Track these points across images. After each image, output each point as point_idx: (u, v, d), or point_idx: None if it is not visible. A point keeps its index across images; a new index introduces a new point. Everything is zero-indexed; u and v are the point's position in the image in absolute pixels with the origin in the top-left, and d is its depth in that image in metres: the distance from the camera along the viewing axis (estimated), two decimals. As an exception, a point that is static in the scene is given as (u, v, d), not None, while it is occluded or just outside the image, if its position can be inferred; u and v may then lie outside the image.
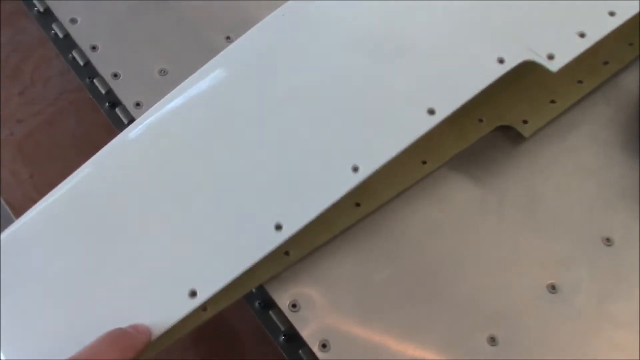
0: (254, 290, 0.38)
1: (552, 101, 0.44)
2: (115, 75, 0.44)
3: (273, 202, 0.35)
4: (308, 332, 0.37)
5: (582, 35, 0.38)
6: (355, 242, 0.40)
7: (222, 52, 0.41)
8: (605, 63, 0.46)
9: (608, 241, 0.40)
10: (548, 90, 0.44)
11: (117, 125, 0.44)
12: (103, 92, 0.45)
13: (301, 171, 0.36)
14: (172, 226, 0.36)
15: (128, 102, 0.43)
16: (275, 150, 0.37)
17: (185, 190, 0.37)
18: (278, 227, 0.35)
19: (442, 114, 0.36)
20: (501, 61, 0.37)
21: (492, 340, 0.37)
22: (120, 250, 0.35)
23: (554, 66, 0.37)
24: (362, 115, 0.37)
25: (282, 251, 0.38)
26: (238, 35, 0.41)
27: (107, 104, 0.45)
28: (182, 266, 0.35)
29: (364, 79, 0.38)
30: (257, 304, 0.39)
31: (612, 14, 0.39)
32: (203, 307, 0.36)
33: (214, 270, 0.34)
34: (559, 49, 0.38)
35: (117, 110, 0.44)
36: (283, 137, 0.37)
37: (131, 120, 0.43)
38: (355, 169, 0.35)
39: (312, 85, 0.38)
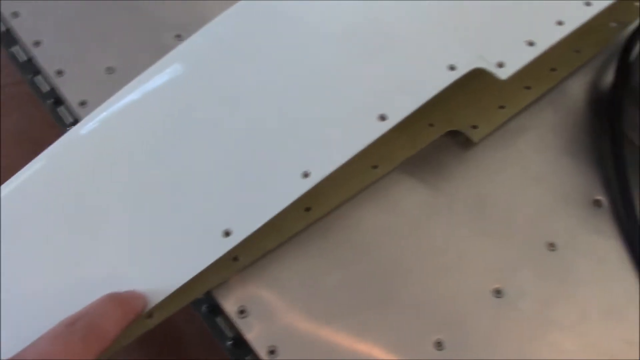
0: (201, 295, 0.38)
1: (501, 107, 0.45)
2: (60, 73, 0.43)
3: (222, 207, 0.35)
4: (256, 338, 0.37)
5: (531, 44, 0.39)
6: (305, 247, 0.39)
7: (173, 51, 0.40)
8: (553, 70, 0.47)
9: (552, 246, 0.41)
10: (497, 96, 0.45)
11: (61, 124, 0.42)
12: (46, 89, 0.43)
13: (251, 176, 0.36)
14: (116, 231, 0.35)
15: (73, 100, 0.42)
16: (224, 154, 0.36)
17: (131, 193, 0.36)
18: (227, 234, 0.34)
19: (393, 120, 0.36)
20: (452, 68, 0.38)
21: (439, 345, 0.37)
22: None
23: (504, 74, 0.38)
24: (314, 121, 0.37)
25: (231, 257, 0.37)
26: (188, 34, 0.40)
27: (50, 101, 0.43)
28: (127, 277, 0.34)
29: (315, 86, 0.38)
30: (204, 308, 0.39)
31: (560, 23, 0.40)
32: (149, 313, 0.35)
33: (159, 278, 0.33)
34: (509, 58, 0.38)
35: (61, 108, 0.42)
36: (233, 140, 0.37)
37: (75, 119, 0.42)
38: (306, 175, 0.35)
39: (263, 88, 0.38)
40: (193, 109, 0.38)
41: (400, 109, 0.36)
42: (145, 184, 0.36)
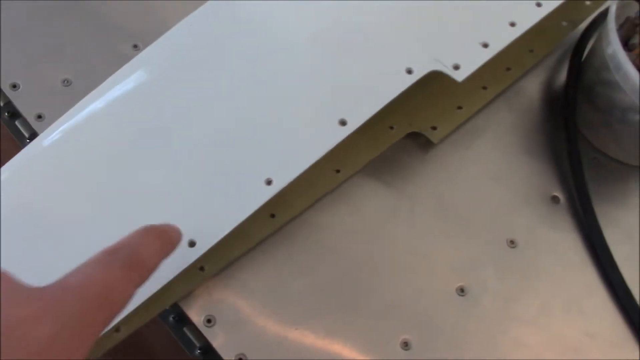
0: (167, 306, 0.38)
1: (459, 107, 0.46)
2: (15, 86, 0.42)
3: (186, 217, 0.35)
4: (224, 346, 0.37)
5: (485, 45, 0.40)
6: (271, 253, 0.40)
7: (131, 61, 0.40)
8: (508, 69, 0.48)
9: (512, 243, 0.42)
10: (455, 97, 0.46)
11: (19, 139, 0.42)
12: (1, 103, 0.42)
13: (215, 185, 0.36)
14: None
15: (29, 114, 0.41)
16: (186, 164, 0.36)
17: (91, 208, 0.35)
18: (192, 244, 0.34)
19: (353, 124, 0.37)
20: (410, 72, 0.38)
21: (406, 345, 0.38)
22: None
23: (460, 76, 0.38)
24: (276, 128, 0.37)
25: (197, 267, 0.37)
26: (146, 44, 0.40)
27: (6, 114, 0.42)
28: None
29: (276, 92, 0.38)
30: (171, 318, 0.38)
31: (512, 24, 0.41)
32: (116, 327, 0.35)
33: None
34: (464, 60, 0.39)
35: (17, 122, 0.42)
36: (195, 150, 0.36)
37: (33, 133, 0.41)
38: (269, 182, 0.35)
39: (223, 96, 0.38)
40: (154, 120, 0.38)
41: (360, 114, 0.37)
42: (107, 197, 0.36)
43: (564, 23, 0.50)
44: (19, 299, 0.21)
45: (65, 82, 0.43)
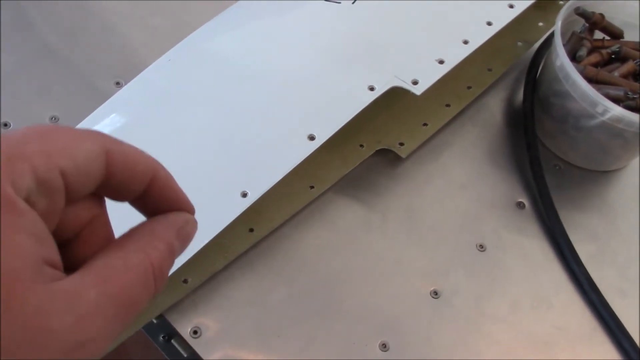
0: (154, 320, 0.39)
1: (425, 124, 0.48)
2: (5, 125, 0.45)
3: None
4: (210, 357, 0.38)
5: (441, 62, 0.43)
6: (251, 266, 0.42)
7: (113, 97, 0.43)
8: (469, 87, 0.51)
9: (481, 247, 0.44)
10: (420, 115, 0.49)
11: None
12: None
13: (196, 199, 0.38)
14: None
15: (19, 149, 0.44)
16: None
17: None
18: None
19: (321, 139, 0.39)
20: (372, 89, 0.41)
21: (384, 347, 0.40)
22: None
23: (418, 90, 0.41)
24: (250, 144, 0.39)
25: (181, 279, 0.39)
26: (127, 80, 0.43)
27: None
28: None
29: (249, 111, 0.41)
30: (161, 338, 0.40)
31: (466, 42, 0.44)
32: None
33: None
34: (422, 76, 0.42)
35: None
36: (177, 166, 0.39)
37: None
38: (244, 195, 0.38)
39: (200, 120, 0.41)
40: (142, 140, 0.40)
41: (327, 128, 0.40)
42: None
43: (520, 43, 0.54)
44: None
45: (53, 119, 0.46)
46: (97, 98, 0.43)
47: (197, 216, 0.37)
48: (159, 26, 0.52)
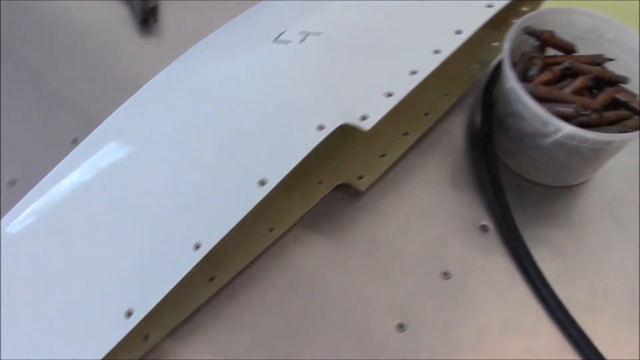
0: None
1: (383, 155, 0.48)
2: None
3: (121, 288, 0.37)
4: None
5: (389, 94, 0.43)
6: (214, 314, 0.41)
7: (69, 156, 0.43)
8: (426, 114, 0.51)
9: (446, 275, 0.44)
10: (378, 146, 0.49)
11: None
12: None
13: (146, 253, 0.38)
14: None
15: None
16: (120, 235, 0.38)
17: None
18: (129, 314, 0.36)
19: (272, 183, 0.39)
20: (321, 128, 0.41)
21: (352, 386, 0.39)
22: None
23: (367, 126, 0.41)
24: (201, 193, 0.39)
25: (142, 336, 0.39)
26: (84, 138, 0.43)
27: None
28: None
29: (194, 162, 0.41)
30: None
31: (413, 72, 0.44)
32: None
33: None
34: (371, 110, 0.42)
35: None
36: (128, 219, 0.39)
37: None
38: (197, 246, 0.37)
39: (151, 172, 0.41)
40: (94, 206, 0.40)
41: (278, 172, 0.39)
42: (52, 279, 0.38)
43: (475, 65, 0.54)
44: None
45: (11, 182, 0.46)
46: (55, 157, 0.43)
47: (149, 272, 0.37)
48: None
